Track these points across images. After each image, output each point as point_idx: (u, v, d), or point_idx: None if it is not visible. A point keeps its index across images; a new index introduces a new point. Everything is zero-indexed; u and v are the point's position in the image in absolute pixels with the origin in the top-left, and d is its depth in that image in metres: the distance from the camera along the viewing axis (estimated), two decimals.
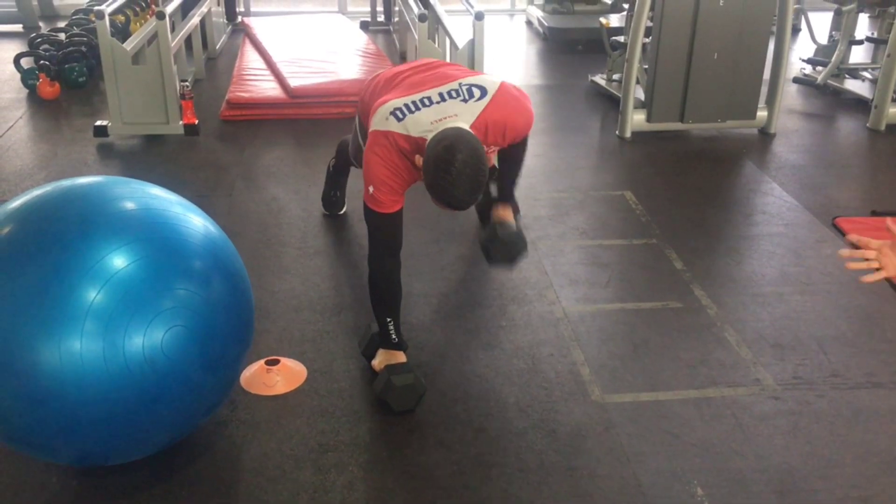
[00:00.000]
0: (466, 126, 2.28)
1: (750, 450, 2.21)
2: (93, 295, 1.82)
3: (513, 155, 2.75)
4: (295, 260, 3.15)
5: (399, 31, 6.23)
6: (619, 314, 2.83)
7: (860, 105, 4.98)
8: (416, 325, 2.74)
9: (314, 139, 4.40)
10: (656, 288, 3.00)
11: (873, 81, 5.23)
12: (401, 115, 2.31)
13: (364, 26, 6.74)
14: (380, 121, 2.34)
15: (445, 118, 2.28)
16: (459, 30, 4.22)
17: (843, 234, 3.39)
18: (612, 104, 4.98)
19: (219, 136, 4.46)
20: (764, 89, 4.46)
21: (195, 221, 2.09)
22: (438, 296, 2.94)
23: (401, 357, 2.40)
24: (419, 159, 2.23)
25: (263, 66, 5.26)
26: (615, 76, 5.17)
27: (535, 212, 3.57)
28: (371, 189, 2.31)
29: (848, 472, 2.13)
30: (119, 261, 1.87)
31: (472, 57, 4.24)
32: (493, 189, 2.87)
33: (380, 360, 2.41)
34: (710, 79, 4.29)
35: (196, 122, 4.36)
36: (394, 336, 2.40)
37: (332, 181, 3.48)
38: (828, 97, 5.20)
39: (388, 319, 2.40)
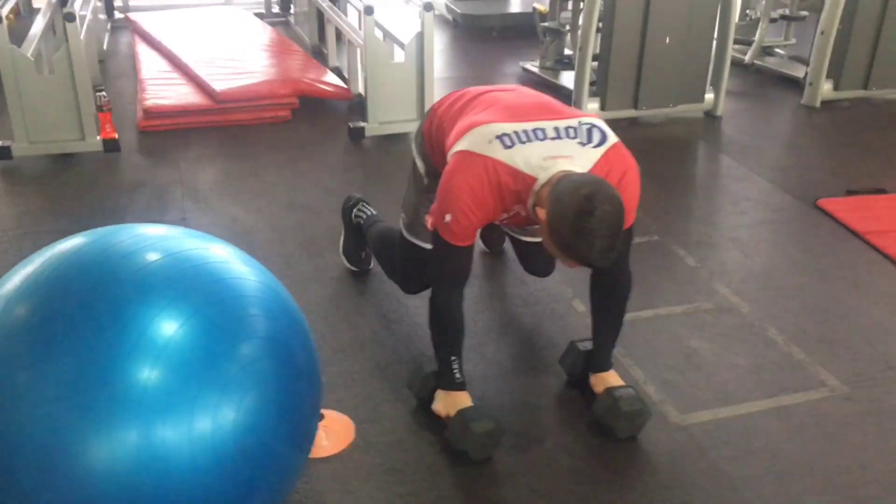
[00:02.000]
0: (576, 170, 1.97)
1: (849, 460, 2.11)
2: (149, 372, 1.46)
3: (612, 276, 2.20)
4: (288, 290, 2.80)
5: (304, 23, 5.83)
6: (655, 322, 2.68)
7: (786, 83, 5.08)
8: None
9: (252, 148, 4.00)
10: (680, 289, 2.88)
11: (792, 58, 5.37)
12: (509, 143, 1.97)
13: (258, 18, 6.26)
14: (479, 143, 1.99)
15: (559, 158, 1.95)
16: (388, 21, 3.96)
17: (830, 216, 3.39)
18: (552, 92, 4.82)
19: (143, 151, 3.96)
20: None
21: (245, 268, 1.74)
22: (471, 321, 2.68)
23: (466, 399, 2.14)
24: (542, 212, 1.88)
25: (170, 68, 4.75)
26: (548, 63, 5.04)
27: None
28: (448, 218, 1.99)
29: None
30: (177, 327, 1.52)
31: (420, 55, 3.97)
32: None
33: (444, 404, 2.14)
34: (662, 64, 4.22)
35: (116, 136, 3.86)
36: (458, 375, 2.13)
37: (359, 236, 2.87)
38: (754, 76, 5.28)
39: (453, 358, 2.13)
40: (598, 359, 2.26)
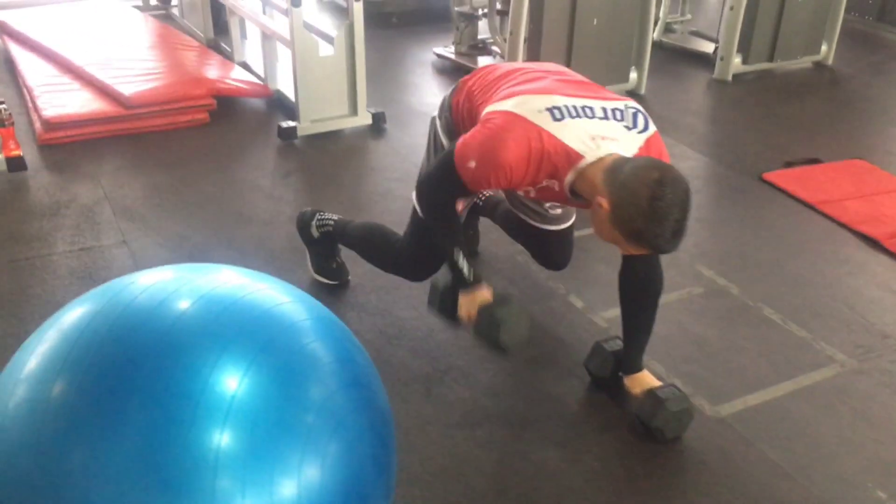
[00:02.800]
0: (622, 154, 1.90)
1: (885, 435, 2.15)
2: (220, 437, 1.27)
3: (645, 273, 2.14)
4: None
5: (192, 15, 5.43)
6: None
7: (693, 58, 5.19)
8: (484, 381, 2.35)
9: (175, 156, 3.67)
10: (667, 275, 2.84)
11: (692, 34, 5.51)
12: (559, 116, 1.88)
13: None
14: (528, 110, 1.90)
15: (607, 139, 1.88)
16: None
17: (779, 189, 3.47)
18: None
19: (52, 167, 3.56)
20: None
21: (290, 298, 1.55)
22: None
23: (486, 294, 2.07)
24: (601, 199, 1.80)
25: (59, 72, 4.29)
26: (463, 49, 4.93)
27: None
28: (472, 164, 1.91)
29: None
30: (240, 379, 1.33)
31: (350, 47, 3.77)
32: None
33: (465, 307, 2.08)
34: (591, 46, 4.20)
35: (21, 152, 3.44)
36: (467, 272, 2.07)
37: (325, 250, 2.69)
38: (662, 54, 5.36)
39: (457, 249, 2.07)
40: (632, 359, 2.19)
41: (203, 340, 1.37)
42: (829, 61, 5.14)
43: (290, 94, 4.15)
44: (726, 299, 2.73)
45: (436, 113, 2.35)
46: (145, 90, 3.92)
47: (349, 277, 2.73)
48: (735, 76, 4.85)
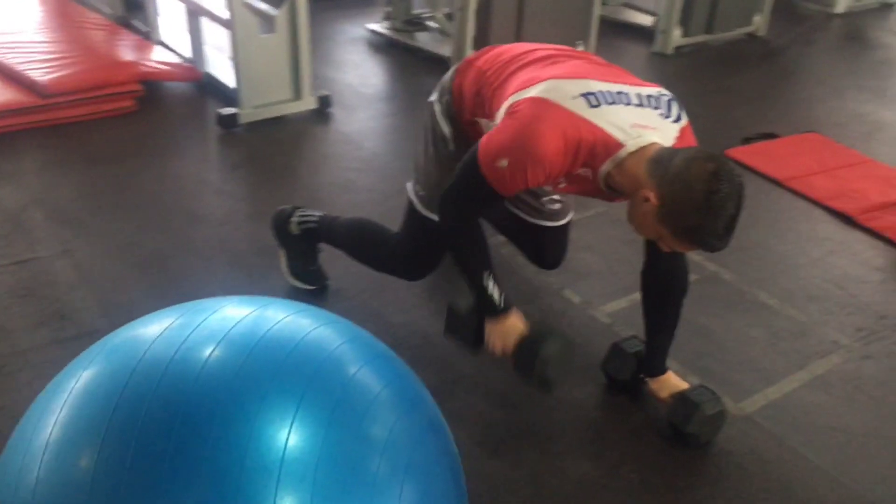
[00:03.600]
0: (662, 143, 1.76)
1: None
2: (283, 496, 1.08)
3: (671, 271, 2.00)
4: None
5: None
6: None
7: (629, 30, 5.12)
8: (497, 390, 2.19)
9: (106, 150, 3.32)
10: None
11: (625, 6, 5.43)
12: (595, 102, 1.71)
13: None
14: (560, 95, 1.72)
15: (647, 128, 1.73)
16: None
17: (745, 167, 3.43)
18: (410, 55, 4.52)
19: None
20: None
21: (341, 330, 1.35)
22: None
23: (519, 322, 1.89)
24: (649, 193, 1.66)
25: None
26: (398, 24, 4.70)
27: None
28: (503, 163, 1.71)
29: None
30: (297, 432, 1.13)
31: (294, 25, 3.49)
32: None
33: (497, 338, 1.88)
34: (540, 19, 4.05)
35: None
36: (498, 297, 1.88)
37: (305, 248, 2.45)
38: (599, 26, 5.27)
39: (487, 273, 1.88)
40: (656, 361, 2.08)
41: (252, 394, 1.16)
42: (762, 32, 5.18)
43: (222, 77, 3.86)
44: (721, 286, 2.66)
45: (433, 97, 2.14)
46: (62, 76, 3.53)
47: (328, 282, 2.51)
48: (675, 48, 4.81)
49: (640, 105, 1.78)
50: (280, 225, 2.43)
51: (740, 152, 3.54)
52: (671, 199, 1.64)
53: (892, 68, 4.87)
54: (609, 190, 1.81)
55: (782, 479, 1.93)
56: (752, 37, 5.17)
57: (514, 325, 1.88)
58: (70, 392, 1.12)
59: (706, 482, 1.92)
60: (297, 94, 3.66)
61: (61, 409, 1.10)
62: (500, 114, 1.84)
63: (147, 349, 1.17)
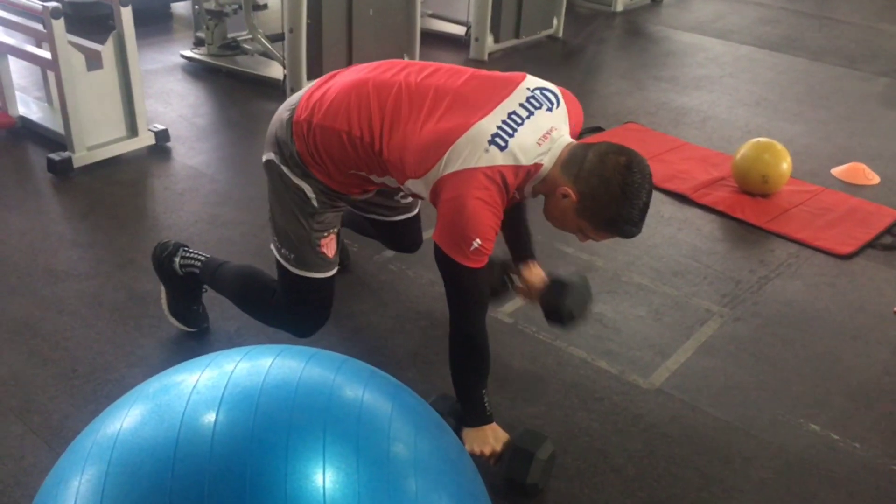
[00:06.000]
0: (570, 139, 1.87)
1: (785, 373, 2.41)
2: None
3: (522, 214, 2.21)
4: None
5: None
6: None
7: (441, 41, 5.29)
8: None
9: None
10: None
11: (431, 16, 5.60)
12: (502, 143, 1.77)
13: None
14: (474, 155, 1.76)
15: (548, 134, 1.82)
16: None
17: None
18: (237, 81, 4.40)
19: None
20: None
21: (359, 374, 1.34)
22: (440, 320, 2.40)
23: (499, 428, 1.95)
24: (568, 190, 1.77)
25: None
26: (214, 49, 4.56)
27: None
28: (477, 243, 1.75)
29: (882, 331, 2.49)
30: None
31: (122, 59, 3.31)
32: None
33: (486, 441, 1.91)
34: (368, 35, 4.11)
35: None
36: (488, 408, 1.93)
37: (188, 288, 2.37)
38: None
39: (484, 391, 1.93)
40: (525, 251, 2.24)
41: (266, 445, 1.13)
42: (560, 34, 5.54)
43: (40, 120, 3.58)
44: (598, 272, 2.85)
45: (269, 156, 2.04)
46: None
47: (207, 324, 2.43)
48: (490, 54, 5.04)
49: (530, 114, 1.85)
50: (161, 261, 2.32)
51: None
52: (590, 193, 1.77)
53: (678, 58, 5.40)
54: (533, 196, 1.92)
55: (704, 439, 2.13)
56: (552, 38, 5.53)
57: (498, 430, 1.93)
58: (110, 463, 1.04)
59: (644, 455, 2.07)
60: (133, 131, 3.46)
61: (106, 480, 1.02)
62: (419, 185, 1.85)
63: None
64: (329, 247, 2.09)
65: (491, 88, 1.89)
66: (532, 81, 1.94)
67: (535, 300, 2.21)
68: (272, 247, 2.12)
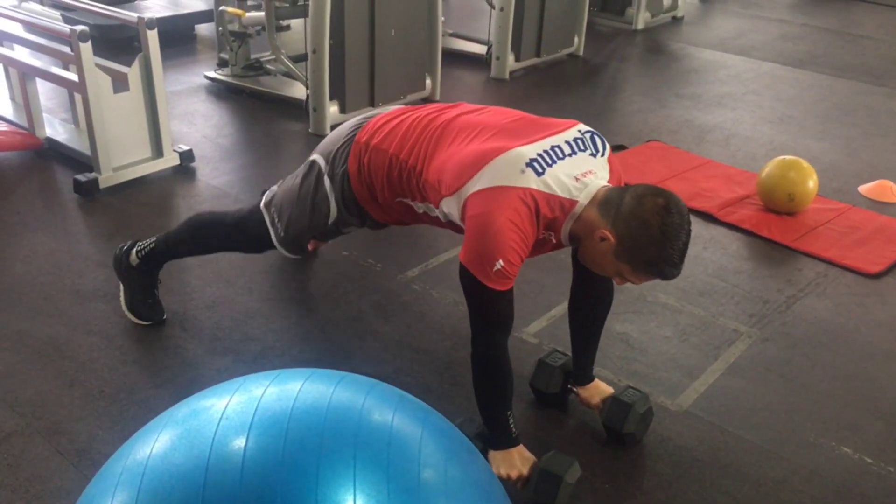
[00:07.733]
0: (605, 183, 1.88)
1: (816, 395, 2.37)
2: None
3: (601, 287, 2.12)
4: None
5: None
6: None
7: (461, 59, 5.31)
8: None
9: None
10: (553, 276, 2.90)
11: (452, 35, 5.63)
12: (540, 169, 1.78)
13: None
14: (507, 174, 1.77)
15: (586, 174, 1.84)
16: None
17: None
18: (261, 102, 4.44)
19: None
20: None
21: (387, 397, 1.33)
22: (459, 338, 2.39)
23: (528, 454, 1.93)
24: (606, 233, 1.76)
25: None
26: (238, 70, 4.60)
27: None
28: (500, 264, 1.75)
29: None
30: None
31: (148, 80, 3.34)
32: None
33: (513, 464, 1.90)
34: (391, 56, 4.12)
35: None
36: (514, 430, 1.92)
37: (143, 280, 2.49)
38: None
39: (509, 412, 1.91)
40: (587, 370, 2.21)
41: (297, 472, 1.12)
42: (581, 52, 5.54)
43: (66, 141, 3.62)
44: (623, 292, 2.82)
45: (319, 161, 2.21)
46: None
47: (165, 317, 2.53)
48: (511, 73, 5.04)
49: (573, 153, 1.88)
50: (120, 258, 2.50)
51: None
52: (629, 236, 1.76)
53: (699, 76, 5.38)
54: (572, 243, 1.91)
55: (734, 461, 2.10)
56: (573, 57, 5.53)
57: (524, 453, 1.93)
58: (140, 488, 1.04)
59: (673, 480, 2.04)
60: (158, 152, 3.49)
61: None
62: (452, 204, 1.88)
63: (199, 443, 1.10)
64: (312, 244, 2.36)
65: (541, 127, 1.94)
66: (585, 126, 1.98)
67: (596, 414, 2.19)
68: (264, 208, 2.33)
